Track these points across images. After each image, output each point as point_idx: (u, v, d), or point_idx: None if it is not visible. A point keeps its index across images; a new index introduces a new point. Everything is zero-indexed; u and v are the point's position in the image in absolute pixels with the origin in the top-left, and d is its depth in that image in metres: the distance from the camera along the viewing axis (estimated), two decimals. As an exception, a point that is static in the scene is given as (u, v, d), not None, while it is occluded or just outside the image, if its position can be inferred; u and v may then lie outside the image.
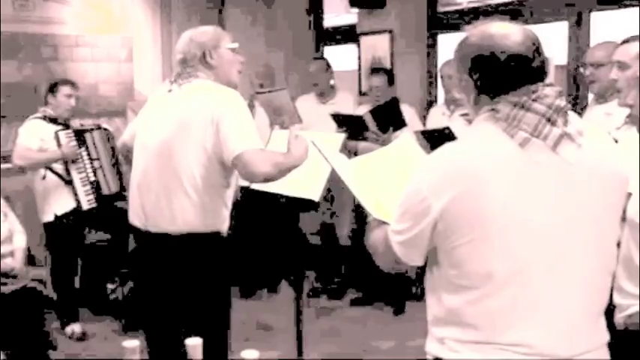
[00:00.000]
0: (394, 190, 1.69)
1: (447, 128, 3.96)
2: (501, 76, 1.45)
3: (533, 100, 1.41)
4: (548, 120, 1.41)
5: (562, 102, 1.44)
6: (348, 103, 5.10)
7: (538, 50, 1.47)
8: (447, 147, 1.50)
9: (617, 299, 1.88)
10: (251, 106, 5.11)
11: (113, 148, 4.43)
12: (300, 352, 2.87)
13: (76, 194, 4.22)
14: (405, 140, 1.93)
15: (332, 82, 5.16)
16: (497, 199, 1.38)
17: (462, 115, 4.10)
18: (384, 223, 1.62)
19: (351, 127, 4.39)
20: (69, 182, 4.23)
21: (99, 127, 4.45)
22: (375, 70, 4.97)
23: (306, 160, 2.50)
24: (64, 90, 4.31)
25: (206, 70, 2.58)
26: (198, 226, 2.50)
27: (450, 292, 1.47)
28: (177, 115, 2.48)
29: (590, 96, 3.49)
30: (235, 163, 2.40)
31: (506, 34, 1.46)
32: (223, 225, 2.60)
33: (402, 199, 1.50)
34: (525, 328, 1.41)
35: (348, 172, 1.76)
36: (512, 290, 1.40)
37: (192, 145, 2.43)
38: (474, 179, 1.38)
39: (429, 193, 1.42)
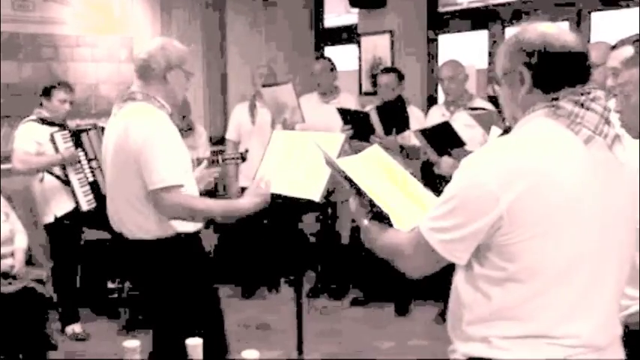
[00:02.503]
0: (379, 193, 1.68)
1: (447, 123, 3.95)
2: (562, 71, 1.47)
3: (591, 100, 1.45)
4: (605, 120, 1.46)
5: (611, 104, 1.50)
6: (350, 104, 5.10)
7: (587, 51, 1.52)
8: (506, 140, 1.51)
9: None
10: (252, 107, 5.11)
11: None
12: (300, 352, 2.87)
13: (75, 195, 4.21)
14: (375, 149, 1.92)
15: (335, 82, 5.16)
16: (564, 194, 1.40)
17: (471, 109, 4.09)
18: (389, 225, 1.60)
19: (357, 124, 4.39)
20: (67, 183, 4.23)
21: (95, 127, 4.43)
22: (384, 70, 4.98)
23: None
24: (59, 95, 4.28)
25: (156, 85, 2.55)
26: (154, 232, 2.53)
27: (498, 287, 1.45)
28: (114, 140, 2.54)
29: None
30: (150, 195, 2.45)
31: (562, 31, 1.51)
32: (183, 226, 2.57)
33: (450, 195, 1.45)
34: (575, 320, 1.45)
35: (355, 172, 1.75)
36: (566, 282, 1.43)
37: (127, 169, 2.47)
38: (544, 173, 1.39)
39: (496, 187, 1.38)
